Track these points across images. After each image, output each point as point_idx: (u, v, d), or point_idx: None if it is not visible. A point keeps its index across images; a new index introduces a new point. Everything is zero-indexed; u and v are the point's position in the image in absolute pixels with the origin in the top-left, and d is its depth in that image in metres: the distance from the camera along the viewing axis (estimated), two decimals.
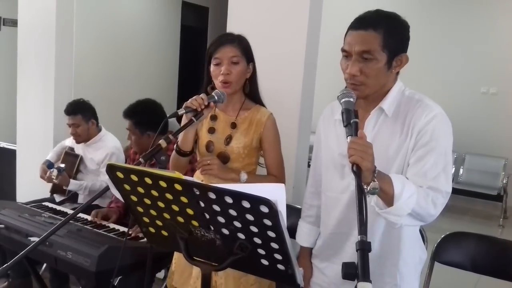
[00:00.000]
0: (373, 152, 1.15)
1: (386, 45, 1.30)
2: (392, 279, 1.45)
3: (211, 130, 1.78)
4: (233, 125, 1.77)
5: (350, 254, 1.45)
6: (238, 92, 1.78)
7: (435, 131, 1.32)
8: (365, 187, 1.15)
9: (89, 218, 2.39)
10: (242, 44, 1.75)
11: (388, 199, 1.22)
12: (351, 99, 1.27)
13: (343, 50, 1.36)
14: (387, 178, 1.21)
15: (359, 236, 0.98)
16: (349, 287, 1.41)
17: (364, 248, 0.96)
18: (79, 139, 2.99)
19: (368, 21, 1.32)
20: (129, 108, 2.53)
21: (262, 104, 1.84)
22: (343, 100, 1.27)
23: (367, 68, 1.31)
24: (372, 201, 1.24)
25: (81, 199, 3.00)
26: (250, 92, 1.81)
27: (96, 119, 3.05)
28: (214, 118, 1.80)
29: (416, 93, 1.41)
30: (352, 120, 1.21)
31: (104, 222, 2.35)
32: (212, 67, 1.73)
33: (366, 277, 0.92)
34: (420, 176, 1.28)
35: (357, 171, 1.12)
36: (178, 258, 1.85)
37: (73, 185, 2.88)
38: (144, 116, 2.48)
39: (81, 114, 2.95)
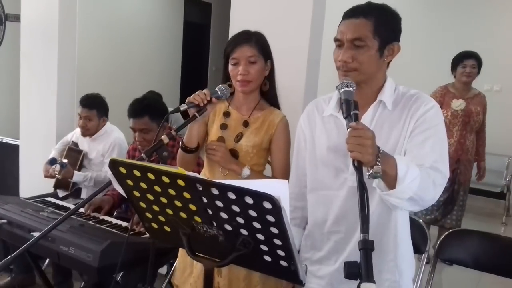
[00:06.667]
0: (373, 141, 1.13)
1: (377, 32, 1.31)
2: (391, 276, 1.40)
3: (223, 126, 1.77)
4: (245, 124, 1.76)
5: (348, 254, 1.40)
6: (254, 91, 1.77)
7: (434, 119, 1.33)
8: (368, 170, 1.13)
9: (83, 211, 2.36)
10: (259, 43, 1.72)
11: (391, 181, 1.19)
12: (351, 89, 1.25)
13: (335, 40, 1.36)
14: (391, 160, 1.18)
15: (361, 235, 0.96)
16: (346, 286, 1.37)
17: (367, 247, 0.94)
18: (87, 132, 3.00)
19: (359, 10, 1.33)
20: (139, 105, 2.41)
21: (277, 107, 1.81)
22: (342, 90, 1.25)
23: (359, 54, 1.31)
24: (374, 182, 1.22)
25: (84, 194, 3.00)
26: (269, 90, 1.79)
27: (107, 117, 3.06)
28: (227, 114, 1.79)
29: (410, 88, 1.42)
30: (352, 112, 1.19)
31: (97, 215, 2.33)
32: (230, 67, 1.71)
33: (369, 277, 0.90)
34: (419, 159, 1.26)
35: (358, 166, 1.10)
36: (181, 255, 1.84)
37: (77, 176, 2.88)
38: (159, 107, 2.44)
39: (97, 110, 2.97)
